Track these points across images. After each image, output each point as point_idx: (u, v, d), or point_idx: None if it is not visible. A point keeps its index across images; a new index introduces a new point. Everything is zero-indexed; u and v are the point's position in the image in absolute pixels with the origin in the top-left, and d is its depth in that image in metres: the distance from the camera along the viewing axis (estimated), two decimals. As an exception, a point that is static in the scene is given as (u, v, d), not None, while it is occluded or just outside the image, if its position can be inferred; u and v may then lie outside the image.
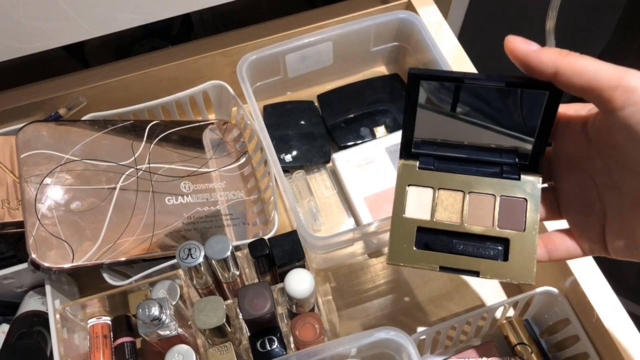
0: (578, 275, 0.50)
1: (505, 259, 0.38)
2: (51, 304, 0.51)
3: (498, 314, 0.55)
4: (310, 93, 0.73)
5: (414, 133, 0.40)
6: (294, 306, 0.47)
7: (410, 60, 0.70)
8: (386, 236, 0.60)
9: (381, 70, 0.75)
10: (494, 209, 0.39)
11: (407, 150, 0.41)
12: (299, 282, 0.45)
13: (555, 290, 0.53)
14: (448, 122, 0.39)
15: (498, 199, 0.39)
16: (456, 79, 0.36)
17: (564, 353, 0.54)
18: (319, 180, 0.68)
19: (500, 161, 0.40)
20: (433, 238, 0.39)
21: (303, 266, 0.50)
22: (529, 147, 0.38)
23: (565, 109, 0.37)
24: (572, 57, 0.32)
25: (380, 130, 0.69)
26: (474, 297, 0.61)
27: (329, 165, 0.68)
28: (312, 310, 0.49)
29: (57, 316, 0.50)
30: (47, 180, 0.52)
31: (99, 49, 0.78)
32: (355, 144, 0.68)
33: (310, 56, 0.66)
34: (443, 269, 0.38)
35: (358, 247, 0.61)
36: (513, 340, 0.55)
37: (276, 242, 0.49)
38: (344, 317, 0.61)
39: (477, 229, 0.39)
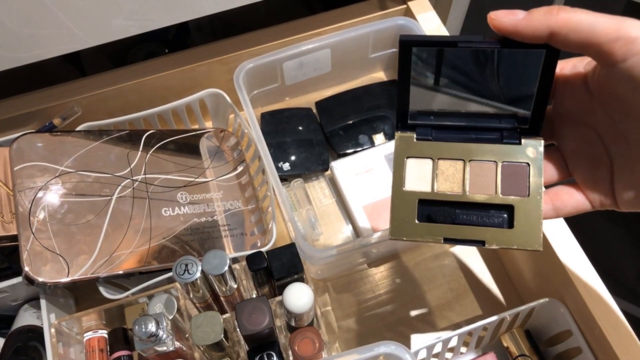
0: (579, 286, 0.50)
1: (511, 226, 0.37)
2: (46, 318, 0.51)
3: (499, 324, 0.55)
4: (308, 100, 0.72)
5: (409, 104, 0.39)
6: (292, 320, 0.47)
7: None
8: (386, 246, 0.60)
9: (380, 76, 0.75)
10: (496, 176, 0.38)
11: (403, 122, 0.40)
12: (298, 296, 0.44)
13: (556, 301, 0.52)
14: (443, 90, 0.38)
15: (500, 165, 0.38)
16: (449, 44, 0.35)
17: (566, 364, 0.53)
18: (318, 188, 0.67)
19: (500, 126, 0.39)
20: (435, 210, 0.38)
21: (302, 279, 0.50)
22: (529, 109, 0.37)
23: (563, 65, 0.36)
24: (564, 14, 0.30)
25: (379, 138, 0.68)
26: (474, 306, 0.61)
27: (328, 173, 0.68)
28: (311, 323, 0.48)
29: (52, 331, 0.49)
30: (42, 193, 0.51)
31: (94, 54, 0.77)
32: (354, 152, 0.67)
33: (308, 63, 0.65)
34: (447, 240, 0.37)
35: (357, 257, 0.61)
36: (514, 351, 0.54)
37: (274, 255, 0.49)
38: (343, 328, 0.60)
39: (480, 197, 0.38)
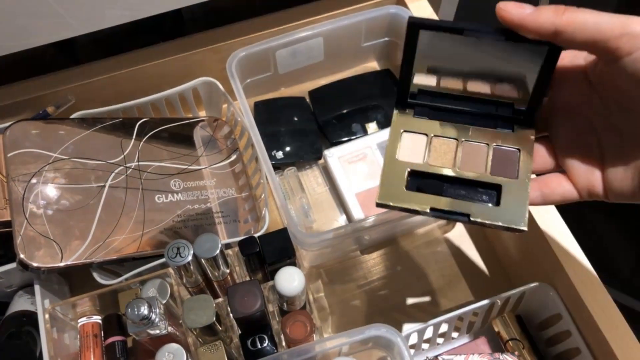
0: (569, 270, 0.50)
1: (498, 204, 0.38)
2: (40, 303, 0.51)
3: (490, 309, 0.55)
4: (301, 89, 0.73)
5: (411, 83, 0.40)
6: (284, 304, 0.47)
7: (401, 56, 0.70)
8: (378, 233, 0.60)
9: (372, 65, 0.75)
10: (487, 157, 0.39)
11: (402, 100, 0.41)
12: (289, 280, 0.45)
13: (547, 285, 0.53)
14: (445, 73, 0.39)
15: (491, 148, 0.39)
16: (456, 30, 0.36)
17: (555, 348, 0.54)
18: (311, 176, 0.68)
19: (495, 114, 0.40)
20: (425, 182, 0.39)
21: (294, 264, 0.50)
22: (525, 100, 0.38)
23: (564, 55, 0.37)
24: (570, 13, 0.31)
25: (371, 127, 0.68)
26: (465, 292, 0.61)
27: (321, 162, 0.68)
28: (304, 307, 0.49)
29: (47, 316, 0.50)
30: (35, 180, 0.52)
31: (89, 46, 0.77)
32: (348, 140, 0.67)
33: (301, 52, 0.66)
34: (434, 210, 0.38)
35: (350, 243, 0.61)
36: (505, 336, 0.55)
37: (266, 239, 0.49)
38: (335, 314, 0.60)
39: (469, 174, 0.39)
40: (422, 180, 0.39)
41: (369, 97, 0.70)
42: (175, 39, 0.66)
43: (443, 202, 0.38)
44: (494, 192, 0.38)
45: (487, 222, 0.37)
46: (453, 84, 0.40)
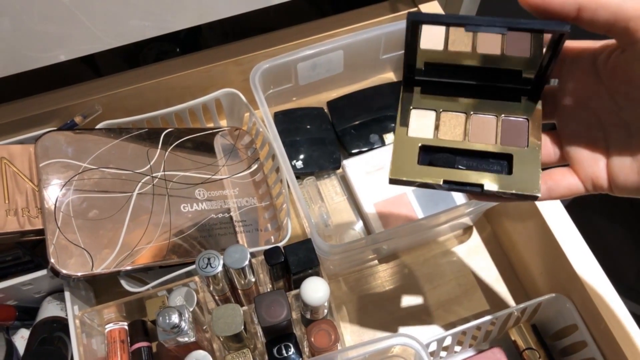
0: (585, 281, 0.51)
1: (510, 172, 0.38)
2: (71, 310, 0.52)
3: (507, 319, 0.56)
4: (319, 99, 0.74)
5: (416, 62, 0.39)
6: (308, 312, 0.48)
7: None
8: (397, 243, 0.61)
9: (390, 76, 0.76)
10: (497, 128, 0.39)
11: (409, 79, 0.41)
12: (314, 290, 0.46)
13: (562, 296, 0.54)
14: (450, 52, 0.39)
15: (500, 119, 0.40)
16: (457, 25, 0.35)
17: (571, 358, 0.55)
18: (329, 186, 0.69)
19: (502, 86, 0.40)
20: (436, 156, 0.39)
21: (317, 273, 0.51)
22: (532, 74, 0.38)
23: (575, 45, 0.37)
24: None
25: (389, 137, 0.70)
26: (482, 301, 0.62)
27: (339, 171, 0.69)
28: (326, 316, 0.50)
29: (77, 322, 0.51)
30: (66, 189, 0.53)
31: (108, 52, 0.79)
32: (366, 150, 0.69)
33: (321, 64, 0.67)
34: (447, 182, 0.38)
35: (369, 253, 0.62)
36: (521, 345, 0.56)
37: (291, 250, 0.50)
38: (354, 322, 0.62)
39: (480, 145, 0.39)
40: (433, 154, 0.39)
41: (387, 107, 0.72)
42: (196, 51, 0.67)
43: (456, 174, 0.38)
44: (505, 162, 0.38)
45: (501, 190, 0.37)
46: (462, 45, 0.39)
